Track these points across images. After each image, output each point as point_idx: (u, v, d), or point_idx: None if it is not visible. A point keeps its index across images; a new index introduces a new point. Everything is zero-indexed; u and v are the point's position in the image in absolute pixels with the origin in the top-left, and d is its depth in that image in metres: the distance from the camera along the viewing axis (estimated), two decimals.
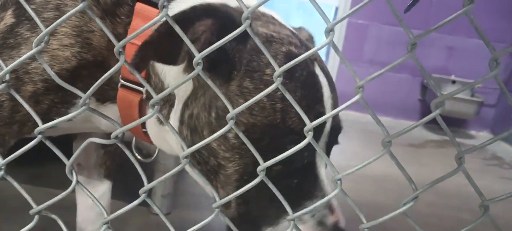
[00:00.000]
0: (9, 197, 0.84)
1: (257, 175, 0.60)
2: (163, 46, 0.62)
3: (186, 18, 0.64)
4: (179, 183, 1.85)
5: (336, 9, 3.94)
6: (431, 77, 3.86)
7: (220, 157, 0.71)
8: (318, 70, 0.75)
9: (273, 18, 0.82)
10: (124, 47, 0.53)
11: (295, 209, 0.58)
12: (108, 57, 0.79)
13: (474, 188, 0.48)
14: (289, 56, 0.71)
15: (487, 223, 0.52)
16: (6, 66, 0.67)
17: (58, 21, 0.54)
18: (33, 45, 0.56)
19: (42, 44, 0.56)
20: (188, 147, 0.56)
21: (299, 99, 0.69)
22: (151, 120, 0.82)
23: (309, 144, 0.53)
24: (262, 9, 0.83)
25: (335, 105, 0.77)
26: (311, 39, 0.94)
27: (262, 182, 0.60)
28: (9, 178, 0.63)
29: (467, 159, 0.49)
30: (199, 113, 0.73)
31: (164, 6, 0.50)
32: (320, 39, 0.53)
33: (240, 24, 0.54)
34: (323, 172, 0.75)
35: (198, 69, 0.52)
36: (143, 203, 0.61)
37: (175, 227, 0.63)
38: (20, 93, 0.75)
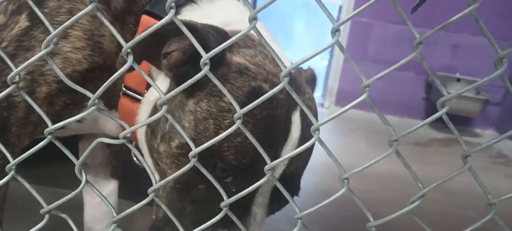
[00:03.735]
0: (18, 198, 0.85)
1: (189, 186, 0.70)
2: (151, 47, 0.68)
3: (165, 31, 0.68)
4: None
5: (340, 8, 3.94)
6: (437, 75, 3.84)
7: (163, 162, 0.74)
8: (295, 118, 0.72)
9: (266, 49, 0.70)
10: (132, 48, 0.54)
11: None
12: (116, 62, 0.80)
13: (481, 186, 0.49)
14: (255, 93, 0.69)
15: (493, 221, 0.53)
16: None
17: (67, 23, 0.55)
18: (42, 47, 0.57)
19: (51, 46, 0.56)
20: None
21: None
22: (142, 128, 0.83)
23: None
24: (266, 36, 0.75)
25: (297, 160, 0.72)
26: (312, 80, 0.89)
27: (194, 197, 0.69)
28: (19, 178, 0.64)
29: (473, 157, 0.50)
30: (160, 119, 0.75)
31: (171, 8, 0.50)
32: (324, 39, 0.53)
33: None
34: (259, 214, 0.72)
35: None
36: (150, 202, 0.61)
37: None
38: (35, 94, 0.78)
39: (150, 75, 0.81)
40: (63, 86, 0.78)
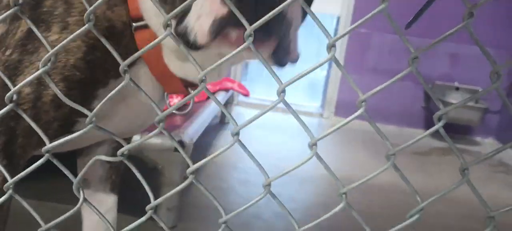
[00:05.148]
0: (21, 212, 0.85)
1: None
2: None
3: None
4: (185, 196, 1.85)
5: (338, 18, 3.96)
6: (435, 85, 3.85)
7: None
8: None
9: None
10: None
11: None
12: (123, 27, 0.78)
13: (479, 200, 0.49)
14: None
15: None
16: (27, 72, 0.73)
17: (64, 42, 0.55)
18: (40, 65, 0.57)
19: (48, 64, 0.57)
20: None
21: None
22: (169, 54, 0.79)
23: None
24: None
25: None
26: None
27: None
28: (17, 197, 0.64)
29: (473, 167, 0.49)
30: None
31: (168, 25, 0.50)
32: (323, 50, 0.53)
33: None
34: None
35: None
36: (149, 217, 0.61)
37: None
38: (43, 99, 0.76)
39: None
40: (72, 83, 0.77)
